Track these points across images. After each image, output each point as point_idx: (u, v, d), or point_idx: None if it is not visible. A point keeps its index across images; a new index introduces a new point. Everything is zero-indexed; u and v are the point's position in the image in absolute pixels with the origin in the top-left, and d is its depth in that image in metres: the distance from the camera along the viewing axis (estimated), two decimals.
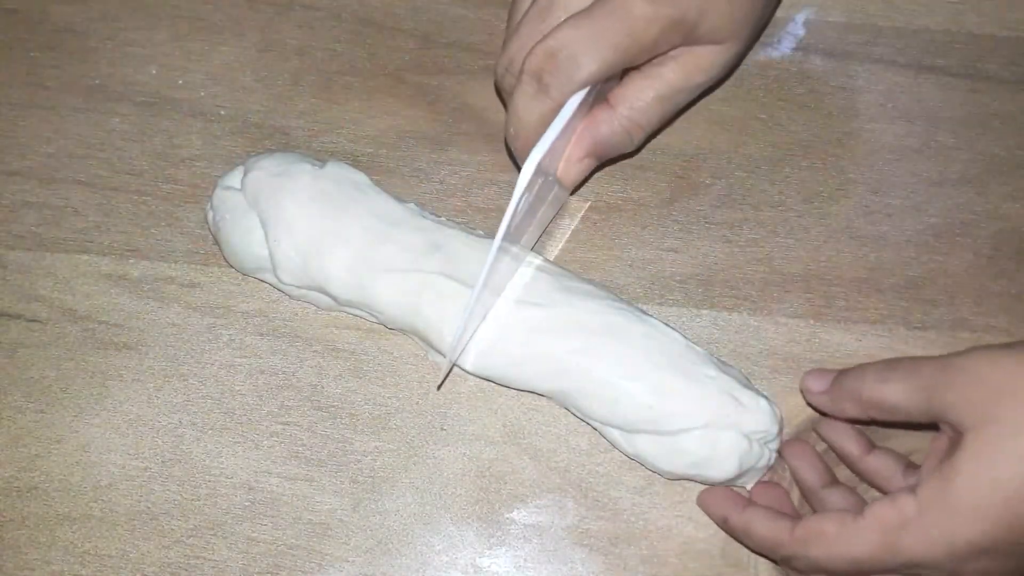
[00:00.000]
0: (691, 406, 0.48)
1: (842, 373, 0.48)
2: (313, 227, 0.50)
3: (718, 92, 0.57)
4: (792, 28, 0.58)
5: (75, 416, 0.52)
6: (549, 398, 0.51)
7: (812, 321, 0.53)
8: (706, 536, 0.50)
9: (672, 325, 0.50)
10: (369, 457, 0.52)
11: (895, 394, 0.44)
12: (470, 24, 0.58)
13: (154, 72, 0.58)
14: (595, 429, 0.51)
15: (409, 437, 0.52)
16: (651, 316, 0.50)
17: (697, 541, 0.50)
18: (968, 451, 0.41)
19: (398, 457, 0.52)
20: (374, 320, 0.52)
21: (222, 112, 0.57)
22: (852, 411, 0.47)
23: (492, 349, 0.50)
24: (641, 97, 0.48)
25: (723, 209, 0.55)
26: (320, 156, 0.55)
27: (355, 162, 0.56)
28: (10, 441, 0.52)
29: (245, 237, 0.51)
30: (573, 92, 0.45)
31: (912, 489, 0.42)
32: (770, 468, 0.50)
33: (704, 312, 0.54)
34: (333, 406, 0.52)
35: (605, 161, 0.52)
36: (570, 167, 0.50)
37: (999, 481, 0.40)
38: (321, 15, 0.58)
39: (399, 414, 0.52)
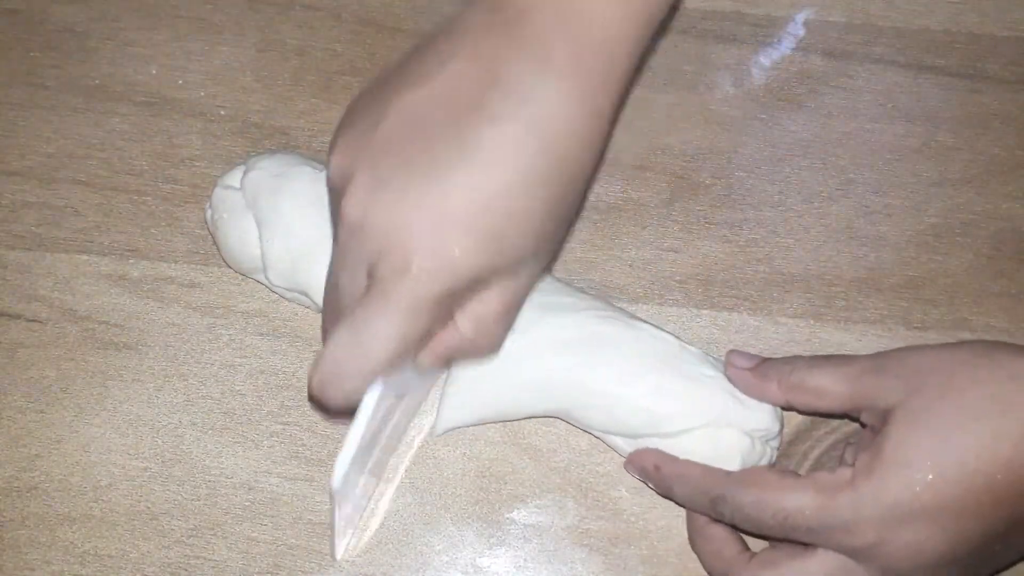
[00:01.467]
0: (690, 406, 0.47)
1: (770, 358, 0.48)
2: (307, 231, 0.50)
3: (717, 92, 0.57)
4: (792, 28, 0.58)
5: (75, 416, 0.52)
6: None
7: (812, 321, 0.53)
8: None
9: (664, 329, 0.50)
10: None
11: (824, 379, 0.45)
12: None
13: (154, 72, 0.58)
14: (597, 437, 0.51)
15: (409, 437, 0.52)
16: (642, 321, 0.50)
17: None
18: (894, 422, 0.43)
19: (398, 457, 0.52)
20: None
21: (222, 112, 0.57)
22: (774, 392, 0.47)
23: (474, 392, 0.49)
24: (486, 309, 0.42)
25: (723, 209, 0.55)
26: (320, 156, 0.55)
27: None
28: (10, 441, 0.52)
29: (241, 237, 0.51)
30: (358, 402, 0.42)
31: (851, 464, 0.44)
32: (772, 466, 0.50)
33: (704, 312, 0.54)
34: None
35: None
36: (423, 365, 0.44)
37: (922, 445, 0.42)
38: (321, 15, 0.58)
39: None
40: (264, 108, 0.57)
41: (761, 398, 0.48)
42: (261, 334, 0.53)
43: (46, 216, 0.55)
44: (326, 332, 0.44)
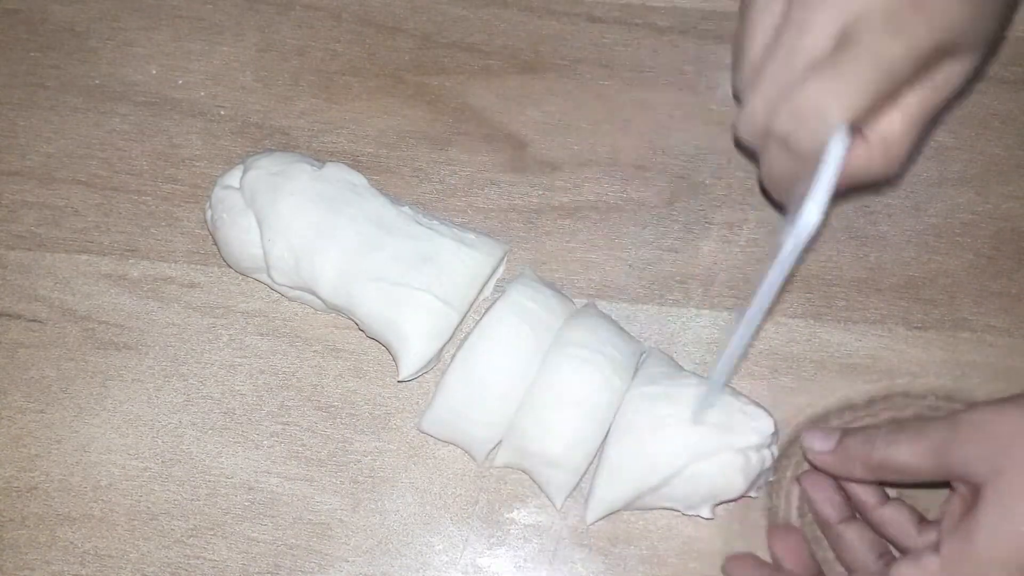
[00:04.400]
0: (665, 451, 0.47)
1: (847, 435, 0.47)
2: (308, 228, 0.50)
3: (717, 92, 0.57)
4: None
5: (75, 416, 0.52)
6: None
7: (812, 321, 0.53)
8: (706, 536, 0.50)
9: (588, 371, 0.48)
10: (369, 457, 0.52)
11: (905, 455, 0.44)
12: (470, 24, 0.58)
13: (154, 72, 0.58)
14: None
15: (409, 437, 0.52)
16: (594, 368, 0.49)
17: (697, 541, 0.50)
18: (986, 505, 0.41)
19: (398, 457, 0.52)
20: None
21: (222, 112, 0.57)
22: (860, 473, 0.46)
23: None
24: (892, 127, 0.43)
25: (723, 209, 0.55)
26: (320, 156, 0.55)
27: (355, 162, 0.56)
28: (10, 441, 0.52)
29: (241, 236, 0.51)
30: (824, 147, 0.41)
31: (934, 547, 0.43)
32: (775, 462, 0.49)
33: (704, 312, 0.54)
34: (333, 406, 0.52)
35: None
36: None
37: (1018, 532, 0.41)
38: (321, 15, 0.58)
39: (399, 414, 0.52)
40: (264, 108, 0.57)
41: (848, 479, 0.48)
42: (261, 334, 0.53)
43: (46, 216, 0.55)
44: (761, 88, 0.43)
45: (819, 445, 0.48)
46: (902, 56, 0.40)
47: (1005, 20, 0.44)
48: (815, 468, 0.49)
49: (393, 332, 0.50)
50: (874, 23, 0.40)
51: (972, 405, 0.44)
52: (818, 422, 0.51)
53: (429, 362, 0.51)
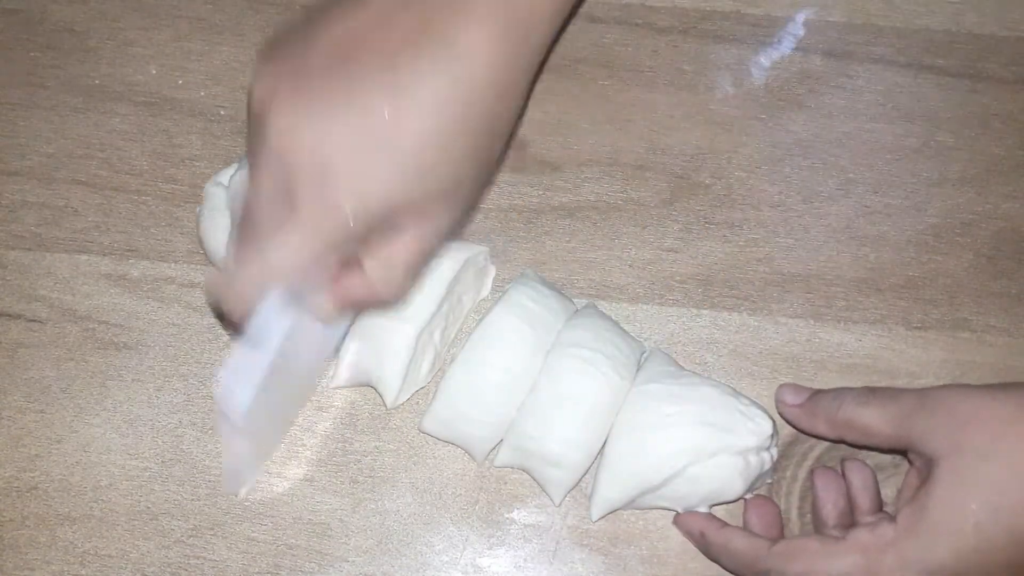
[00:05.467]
0: (666, 451, 0.47)
1: (819, 392, 0.49)
2: None
3: (717, 92, 0.57)
4: (792, 28, 0.58)
5: (75, 416, 0.52)
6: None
7: (812, 321, 0.53)
8: None
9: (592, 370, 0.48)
10: (369, 457, 0.52)
11: (871, 418, 0.46)
12: None
13: (154, 72, 0.58)
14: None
15: (409, 437, 0.52)
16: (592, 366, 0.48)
17: None
18: (939, 479, 0.43)
19: (398, 457, 0.52)
20: None
21: (222, 112, 0.57)
22: (823, 428, 0.48)
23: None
24: (394, 259, 0.42)
25: (723, 209, 0.55)
26: None
27: None
28: (10, 441, 0.52)
29: (216, 236, 0.51)
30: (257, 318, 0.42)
31: (892, 517, 0.44)
32: (775, 463, 0.49)
33: (704, 312, 0.54)
34: (333, 406, 0.52)
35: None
36: (325, 310, 0.44)
37: (969, 508, 0.42)
38: None
39: (399, 414, 0.52)
40: None
41: (811, 433, 0.49)
42: None
43: (46, 216, 0.55)
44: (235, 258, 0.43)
45: (790, 398, 0.49)
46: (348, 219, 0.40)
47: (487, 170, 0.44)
48: (795, 428, 0.50)
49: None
50: (309, 185, 0.39)
51: (945, 385, 0.46)
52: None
53: (407, 379, 0.51)
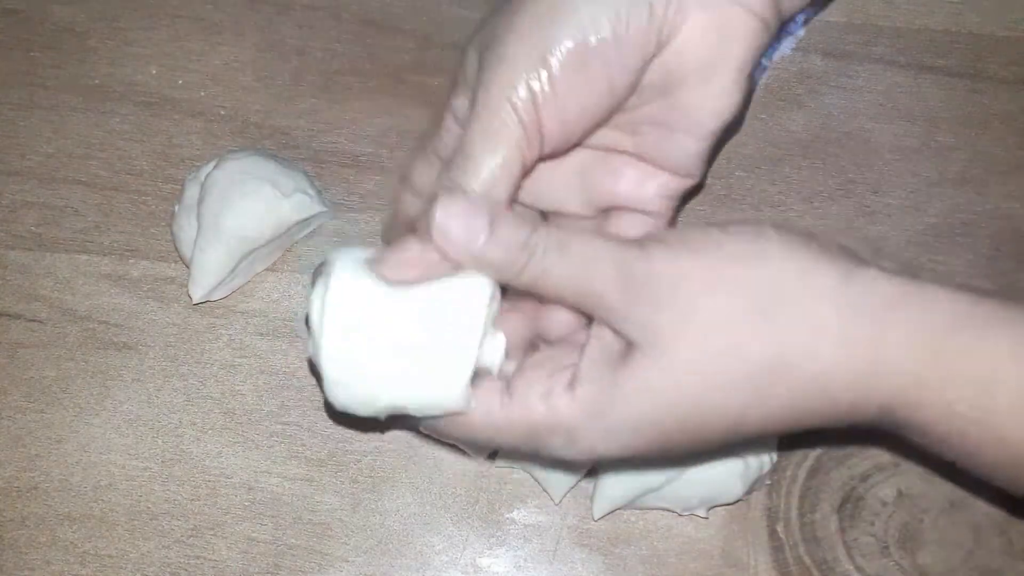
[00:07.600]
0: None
1: (502, 222, 0.37)
2: (240, 260, 0.50)
3: None
4: (792, 28, 0.58)
5: (75, 416, 0.52)
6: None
7: None
8: (706, 536, 0.50)
9: None
10: (369, 457, 0.52)
11: (558, 280, 0.37)
12: (470, 24, 0.58)
13: (154, 72, 0.58)
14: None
15: (409, 437, 0.52)
16: None
17: (697, 541, 0.50)
18: (632, 373, 0.37)
19: (398, 457, 0.52)
20: None
21: (222, 112, 0.57)
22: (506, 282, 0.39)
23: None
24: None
25: (723, 209, 0.55)
26: (320, 156, 0.55)
27: (355, 162, 0.56)
28: (10, 441, 0.52)
29: (180, 233, 0.52)
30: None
31: (568, 385, 0.38)
32: (774, 464, 0.49)
33: None
34: None
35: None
36: None
37: (657, 410, 0.37)
38: (321, 15, 0.58)
39: None
40: (264, 108, 0.57)
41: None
42: (261, 334, 0.53)
43: (46, 216, 0.55)
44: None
45: (457, 230, 0.36)
46: None
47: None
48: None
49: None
50: None
51: (653, 241, 0.38)
52: None
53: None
